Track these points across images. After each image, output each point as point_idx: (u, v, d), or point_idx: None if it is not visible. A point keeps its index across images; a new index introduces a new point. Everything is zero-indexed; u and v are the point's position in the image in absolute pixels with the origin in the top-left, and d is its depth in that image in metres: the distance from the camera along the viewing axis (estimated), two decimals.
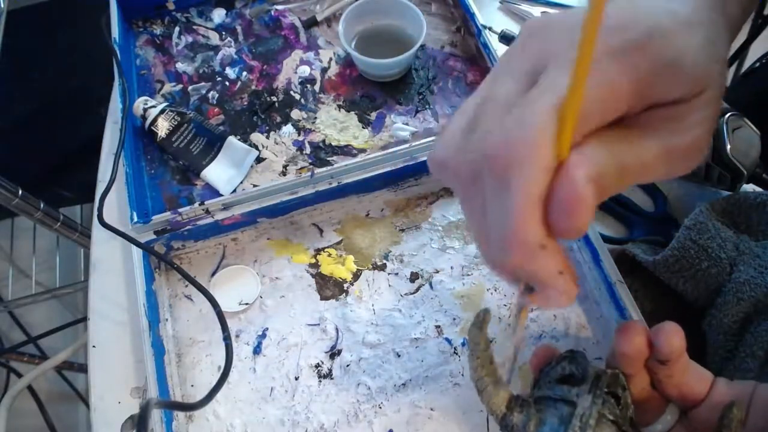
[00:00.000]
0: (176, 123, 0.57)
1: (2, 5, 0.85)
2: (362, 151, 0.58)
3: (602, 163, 0.22)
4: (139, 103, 0.58)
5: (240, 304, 0.51)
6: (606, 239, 0.51)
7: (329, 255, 0.54)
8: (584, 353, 0.36)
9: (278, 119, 0.61)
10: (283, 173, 0.58)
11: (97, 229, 0.55)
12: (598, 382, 0.32)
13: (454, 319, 0.50)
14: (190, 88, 0.63)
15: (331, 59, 0.65)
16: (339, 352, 0.49)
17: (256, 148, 0.59)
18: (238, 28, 0.68)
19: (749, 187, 0.53)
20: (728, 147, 0.49)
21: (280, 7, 0.69)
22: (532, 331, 0.49)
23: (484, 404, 0.35)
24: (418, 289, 0.52)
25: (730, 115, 0.50)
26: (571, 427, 0.31)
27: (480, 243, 0.26)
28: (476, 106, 0.25)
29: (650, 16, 0.23)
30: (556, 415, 0.32)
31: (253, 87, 0.63)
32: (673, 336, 0.31)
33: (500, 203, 0.23)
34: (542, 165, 0.21)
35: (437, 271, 0.52)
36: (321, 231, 0.55)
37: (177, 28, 0.68)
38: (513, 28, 0.67)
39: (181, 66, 0.65)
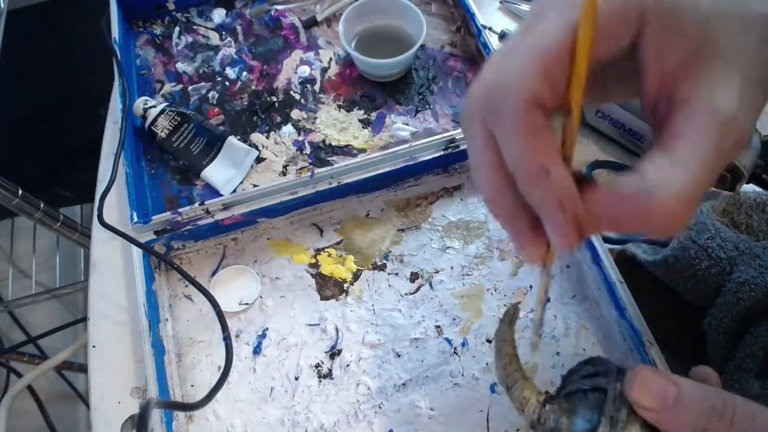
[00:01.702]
0: (176, 123, 0.57)
1: (2, 5, 0.85)
2: (362, 151, 0.58)
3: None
4: (139, 103, 0.58)
5: (240, 304, 0.51)
6: (606, 239, 0.51)
7: (329, 255, 0.54)
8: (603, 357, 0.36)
9: (278, 119, 0.61)
10: (283, 173, 0.58)
11: (97, 229, 0.55)
12: (624, 373, 0.32)
13: (454, 319, 0.50)
14: (190, 88, 0.63)
15: (331, 59, 0.65)
16: (339, 352, 0.49)
17: (256, 148, 0.59)
18: (238, 28, 0.68)
19: (749, 187, 0.53)
20: None
21: (280, 7, 0.69)
22: (533, 331, 0.49)
23: (514, 400, 0.34)
24: (418, 289, 0.52)
25: None
26: (605, 411, 0.31)
27: (482, 183, 0.27)
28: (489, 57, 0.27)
29: None
30: (588, 404, 0.32)
31: (253, 87, 0.63)
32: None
33: (504, 140, 0.24)
34: (527, 102, 0.23)
35: (437, 271, 0.52)
36: (321, 231, 0.55)
37: (177, 28, 0.68)
38: (513, 28, 0.67)
39: (181, 66, 0.65)
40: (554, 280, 0.51)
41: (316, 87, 0.63)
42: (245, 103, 0.62)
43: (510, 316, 0.36)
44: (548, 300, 0.32)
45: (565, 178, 0.23)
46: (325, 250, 0.54)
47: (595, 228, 0.24)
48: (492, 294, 0.51)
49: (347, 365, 0.49)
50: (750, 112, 0.23)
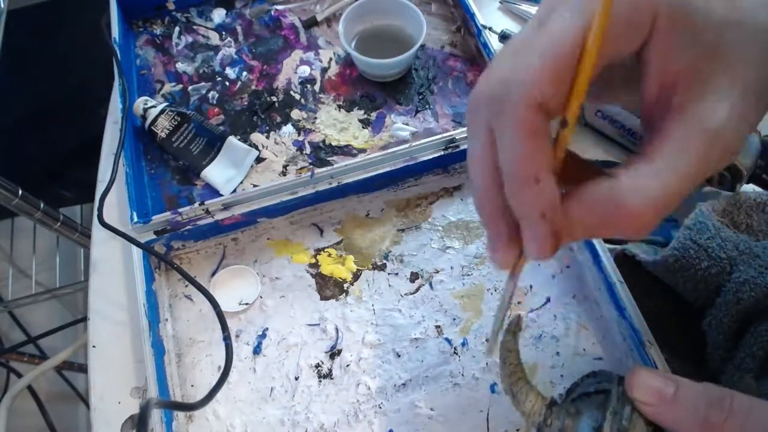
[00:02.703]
0: (176, 123, 0.57)
1: (2, 5, 0.85)
2: (362, 151, 0.58)
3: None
4: (139, 103, 0.58)
5: (240, 304, 0.51)
6: (606, 239, 0.51)
7: (329, 255, 0.54)
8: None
9: (278, 119, 0.61)
10: (283, 173, 0.58)
11: (97, 229, 0.55)
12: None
13: (454, 319, 0.50)
14: (190, 88, 0.63)
15: (331, 59, 0.65)
16: (339, 352, 0.49)
17: (256, 148, 0.59)
18: (238, 28, 0.68)
19: (749, 188, 0.53)
20: None
21: (280, 7, 0.69)
22: (532, 331, 0.49)
23: (520, 406, 0.35)
24: (418, 289, 0.52)
25: None
26: (608, 407, 0.31)
27: (474, 177, 0.27)
28: (499, 51, 0.26)
29: None
30: (593, 404, 0.33)
31: (253, 87, 0.63)
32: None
33: (503, 140, 0.24)
34: (531, 104, 0.22)
35: (437, 271, 0.52)
36: (321, 231, 0.55)
37: (177, 28, 0.68)
38: (513, 28, 0.67)
39: (181, 66, 0.65)
40: (554, 280, 0.51)
41: (316, 87, 0.63)
42: (245, 103, 0.62)
43: (514, 327, 0.37)
44: (509, 305, 0.33)
45: (553, 189, 0.24)
46: (325, 250, 0.54)
47: (570, 237, 0.25)
48: (492, 294, 0.51)
49: (347, 365, 0.49)
50: (743, 125, 0.23)
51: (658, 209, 0.23)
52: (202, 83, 0.64)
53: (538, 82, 0.22)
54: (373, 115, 0.61)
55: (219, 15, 0.68)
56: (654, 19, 0.23)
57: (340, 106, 0.61)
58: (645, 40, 0.24)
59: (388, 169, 0.53)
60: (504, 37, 0.65)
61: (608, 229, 0.24)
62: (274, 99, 0.62)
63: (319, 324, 0.50)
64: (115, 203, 0.56)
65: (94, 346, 0.51)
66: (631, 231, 0.23)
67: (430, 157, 0.54)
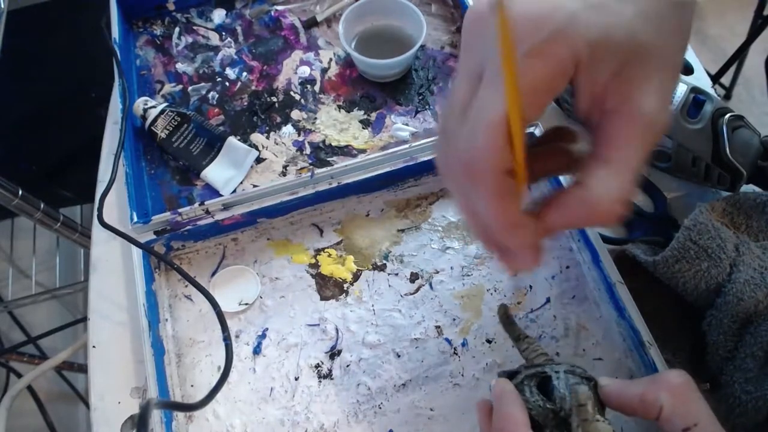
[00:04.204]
0: (176, 123, 0.57)
1: (2, 5, 0.85)
2: (362, 151, 0.58)
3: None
4: (139, 104, 0.58)
5: (240, 304, 0.51)
6: (606, 240, 0.51)
7: (329, 255, 0.54)
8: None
9: (278, 119, 0.61)
10: (283, 173, 0.58)
11: (97, 229, 0.55)
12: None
13: (454, 319, 0.50)
14: (190, 88, 0.63)
15: (331, 59, 0.65)
16: (339, 352, 0.49)
17: (256, 148, 0.59)
18: (238, 29, 0.68)
19: (749, 188, 0.53)
20: (728, 147, 0.49)
21: (280, 8, 0.69)
22: (533, 331, 0.49)
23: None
24: (418, 290, 0.52)
25: (729, 116, 0.50)
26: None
27: (470, 225, 0.32)
28: (444, 108, 0.29)
29: (559, 9, 0.25)
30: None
31: (253, 87, 0.63)
32: None
33: (479, 201, 0.28)
34: (497, 172, 0.26)
35: (437, 272, 0.52)
36: (321, 231, 0.55)
37: (177, 29, 0.68)
38: None
39: (181, 66, 0.65)
40: (554, 280, 0.51)
41: (316, 87, 0.63)
42: (245, 103, 0.62)
43: (503, 316, 0.38)
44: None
45: (531, 231, 0.28)
46: (325, 250, 0.54)
47: (551, 236, 0.30)
48: (492, 294, 0.51)
49: (347, 365, 0.49)
50: (667, 101, 0.27)
51: (624, 201, 0.27)
52: (202, 83, 0.64)
53: (496, 152, 0.26)
54: (373, 115, 0.61)
55: (219, 15, 0.68)
56: (577, 64, 0.25)
57: (340, 107, 0.61)
58: (572, 77, 0.26)
59: (388, 169, 0.53)
60: None
61: (588, 225, 0.30)
62: (274, 99, 0.62)
63: (319, 324, 0.50)
64: (115, 203, 0.56)
65: (94, 346, 0.51)
66: (608, 223, 0.28)
67: (430, 157, 0.54)
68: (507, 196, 0.27)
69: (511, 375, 0.36)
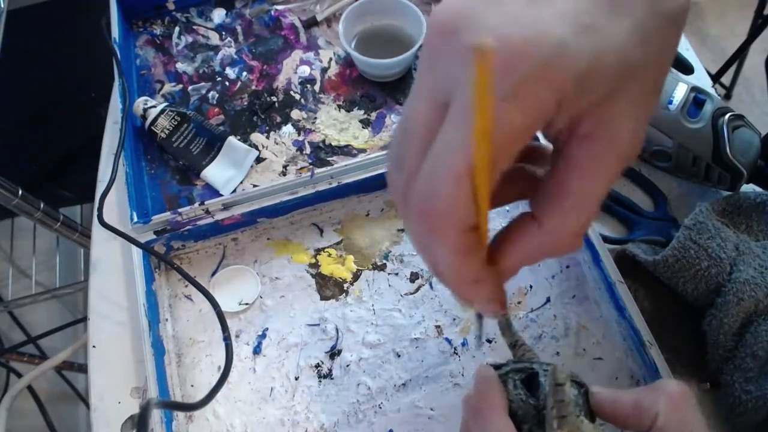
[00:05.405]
0: (176, 123, 0.57)
1: (2, 5, 0.85)
2: (362, 151, 0.58)
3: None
4: (139, 103, 0.58)
5: (240, 304, 0.51)
6: (606, 239, 0.52)
7: (329, 255, 0.54)
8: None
9: (278, 119, 0.61)
10: (283, 173, 0.58)
11: (97, 229, 0.55)
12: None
13: (454, 319, 0.50)
14: (190, 88, 0.63)
15: (331, 59, 0.65)
16: (339, 352, 0.49)
17: (256, 148, 0.59)
18: (238, 28, 0.68)
19: (749, 187, 0.53)
20: (728, 147, 0.49)
21: (280, 7, 0.69)
22: (532, 331, 0.49)
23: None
24: (418, 289, 0.52)
25: (730, 116, 0.50)
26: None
27: (428, 266, 0.29)
28: (401, 132, 0.25)
29: (544, 35, 0.21)
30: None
31: (253, 87, 0.63)
32: None
33: (437, 251, 0.25)
34: (459, 230, 0.23)
35: None
36: (321, 231, 0.55)
37: (177, 28, 0.68)
38: None
39: (181, 66, 0.65)
40: (554, 280, 0.51)
41: (316, 87, 0.63)
42: (245, 103, 0.62)
43: (504, 324, 0.38)
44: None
45: (495, 285, 0.27)
46: (325, 250, 0.54)
47: (510, 276, 0.28)
48: None
49: (347, 365, 0.49)
50: (643, 129, 0.25)
51: (582, 233, 0.25)
52: (202, 83, 0.64)
53: (460, 209, 0.22)
54: (373, 115, 0.61)
55: (219, 15, 0.68)
56: (560, 103, 0.21)
57: (340, 106, 0.61)
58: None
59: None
60: None
61: (547, 257, 0.27)
62: (274, 99, 0.62)
63: (319, 324, 0.50)
64: (115, 203, 0.56)
65: (94, 346, 0.51)
66: (567, 253, 0.27)
67: None
68: (469, 253, 0.24)
69: (498, 368, 0.35)
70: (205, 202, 0.52)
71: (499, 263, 0.26)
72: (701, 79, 0.61)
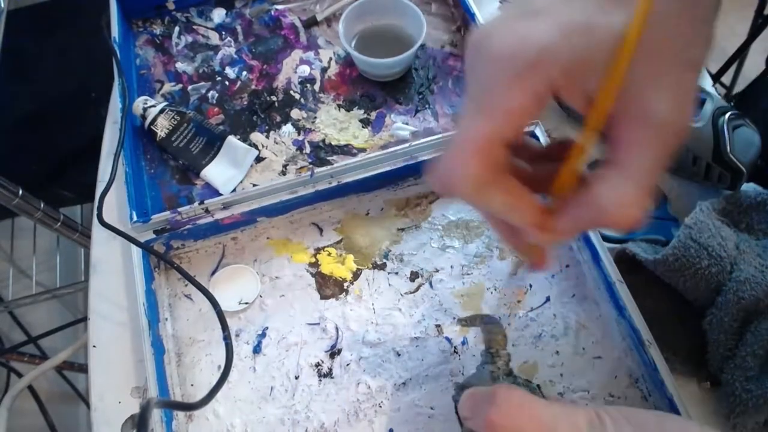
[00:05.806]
0: (176, 123, 0.57)
1: (2, 5, 0.85)
2: (362, 150, 0.58)
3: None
4: (139, 103, 0.58)
5: (240, 303, 0.51)
6: (606, 238, 0.51)
7: (329, 254, 0.54)
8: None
9: (278, 119, 0.61)
10: (283, 173, 0.58)
11: (97, 229, 0.55)
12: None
13: (454, 318, 0.50)
14: (189, 87, 0.63)
15: (331, 59, 0.65)
16: (339, 351, 0.49)
17: (256, 147, 0.59)
18: (238, 28, 0.68)
19: (749, 186, 0.53)
20: (728, 146, 0.49)
21: (280, 7, 0.69)
22: (532, 330, 0.49)
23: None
24: (418, 289, 0.52)
25: (730, 115, 0.50)
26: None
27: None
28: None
29: (528, 44, 0.25)
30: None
31: (253, 87, 0.63)
32: None
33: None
34: (472, 186, 0.28)
35: (437, 270, 0.52)
36: (321, 230, 0.55)
37: (177, 28, 0.68)
38: None
39: (180, 66, 0.65)
40: (554, 279, 0.51)
41: (316, 87, 0.63)
42: (245, 102, 0.62)
43: (486, 332, 0.43)
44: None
45: (551, 232, 0.29)
46: (325, 249, 0.54)
47: (562, 241, 0.31)
48: (492, 293, 0.51)
49: (347, 364, 0.48)
50: (684, 102, 0.26)
51: (641, 203, 0.26)
52: (202, 83, 0.64)
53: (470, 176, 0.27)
54: (373, 114, 0.61)
55: (219, 15, 0.68)
56: (555, 89, 0.26)
57: (340, 106, 0.61)
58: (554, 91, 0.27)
59: (387, 168, 0.53)
60: None
61: (603, 228, 0.29)
62: (274, 99, 0.62)
63: (319, 323, 0.50)
64: (114, 203, 0.56)
65: (94, 346, 0.51)
66: (625, 229, 0.27)
67: (430, 156, 0.54)
68: (523, 199, 0.29)
69: (464, 386, 0.40)
70: (205, 202, 0.52)
71: (551, 226, 0.29)
72: (702, 78, 0.61)
